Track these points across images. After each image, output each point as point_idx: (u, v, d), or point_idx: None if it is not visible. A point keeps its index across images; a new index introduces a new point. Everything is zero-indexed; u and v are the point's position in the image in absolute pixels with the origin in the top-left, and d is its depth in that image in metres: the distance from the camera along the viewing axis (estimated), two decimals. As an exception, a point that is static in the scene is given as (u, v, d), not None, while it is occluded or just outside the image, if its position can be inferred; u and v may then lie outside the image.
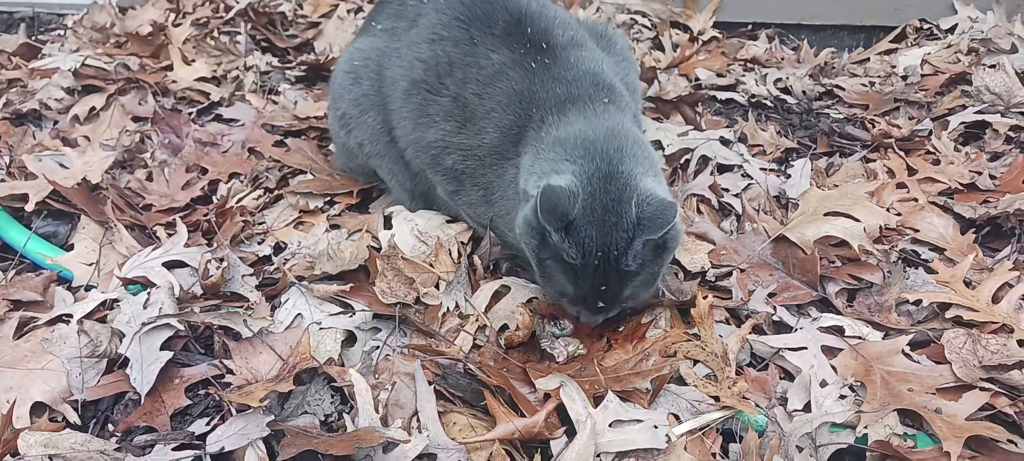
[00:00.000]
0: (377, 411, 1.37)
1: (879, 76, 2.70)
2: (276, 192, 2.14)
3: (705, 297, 1.55)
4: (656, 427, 1.32)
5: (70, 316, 1.57)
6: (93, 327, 1.53)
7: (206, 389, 1.46)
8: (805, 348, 1.50)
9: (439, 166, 1.72)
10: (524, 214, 1.45)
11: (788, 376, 1.50)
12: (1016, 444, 1.30)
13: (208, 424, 1.38)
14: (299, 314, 1.63)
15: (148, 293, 1.63)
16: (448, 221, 1.93)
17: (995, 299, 1.59)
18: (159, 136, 2.39)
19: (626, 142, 1.48)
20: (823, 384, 1.42)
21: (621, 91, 1.67)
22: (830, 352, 1.50)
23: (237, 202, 2.06)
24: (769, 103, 2.59)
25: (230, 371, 1.48)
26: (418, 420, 1.37)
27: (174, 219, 1.95)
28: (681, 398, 1.42)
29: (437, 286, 1.70)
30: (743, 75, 2.76)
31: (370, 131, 1.89)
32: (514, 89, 1.58)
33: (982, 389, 1.38)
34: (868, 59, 2.83)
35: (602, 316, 1.49)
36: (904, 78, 2.66)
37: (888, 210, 1.88)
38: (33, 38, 3.04)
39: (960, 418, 1.33)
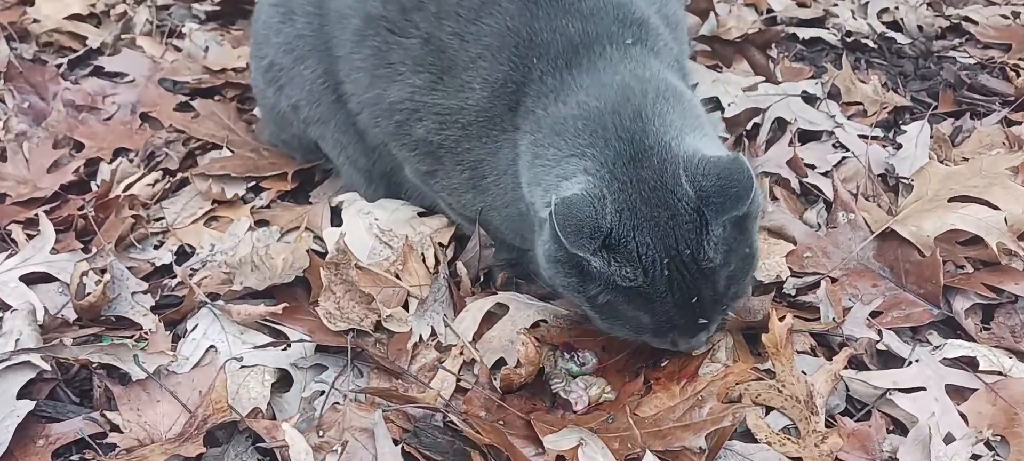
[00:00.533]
0: (322, 482, 1.36)
1: (1026, 4, 2.70)
2: (180, 175, 2.14)
3: (782, 318, 1.54)
4: (714, 502, 1.32)
5: None
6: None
7: (81, 453, 1.45)
8: (923, 388, 1.49)
9: (406, 137, 1.72)
10: (545, 247, 1.46)
11: (899, 428, 1.48)
12: None
13: (84, 503, 1.38)
14: (212, 347, 1.62)
15: None
16: (421, 214, 1.93)
17: None
18: (15, 98, 2.38)
19: (645, 97, 1.48)
20: (949, 439, 1.41)
21: (656, 27, 1.67)
22: (958, 394, 1.49)
23: (125, 190, 2.06)
24: (871, 44, 2.58)
25: (115, 428, 1.47)
26: (379, 495, 1.36)
27: (36, 214, 1.95)
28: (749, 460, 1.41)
29: (406, 306, 1.69)
30: (835, 3, 2.74)
31: (308, 88, 1.89)
32: (508, 28, 1.58)
33: None
34: (1011, -20, 2.83)
35: (706, 333, 1.49)
36: (1061, 7, 2.66)
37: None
38: None
39: None
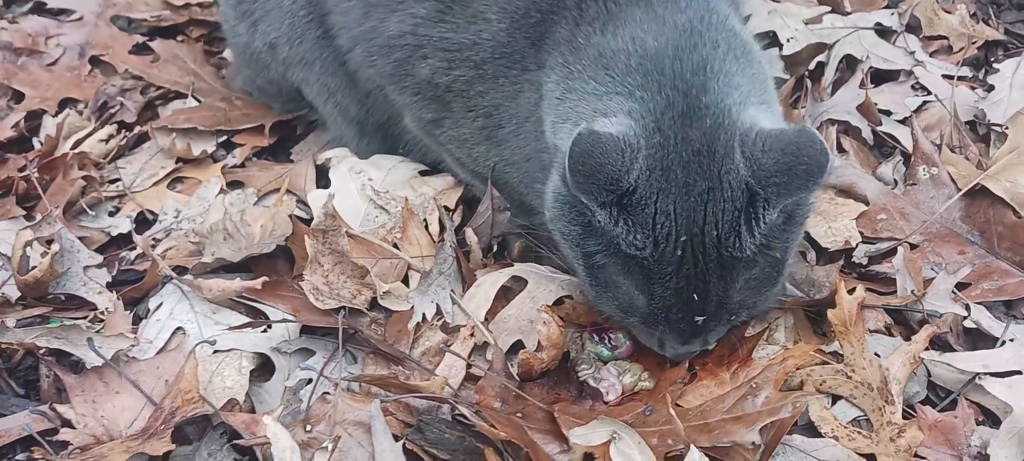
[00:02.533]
0: (310, 485, 1.37)
1: None
2: (138, 129, 2.15)
3: (851, 291, 1.54)
4: (771, 506, 1.33)
5: None
6: None
7: (28, 452, 1.46)
8: (1019, 372, 1.49)
9: (408, 78, 1.72)
10: (553, 183, 1.46)
11: (990, 419, 1.48)
12: None
13: (32, 511, 1.39)
14: (179, 328, 1.62)
15: (-69, 298, 1.63)
16: (422, 172, 1.93)
17: None
18: (-58, 41, 2.39)
19: (715, 49, 1.47)
20: (1049, 432, 1.42)
21: None
22: (1061, 379, 1.49)
23: (73, 147, 2.06)
24: (958, -34, 2.56)
25: (67, 423, 1.48)
26: (377, 499, 1.37)
27: (-30, 177, 1.96)
28: (812, 457, 1.41)
29: (406, 280, 1.70)
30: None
31: (288, 22, 1.89)
32: None
33: None
34: None
35: (698, 345, 1.48)
36: None
37: None
38: None
39: None
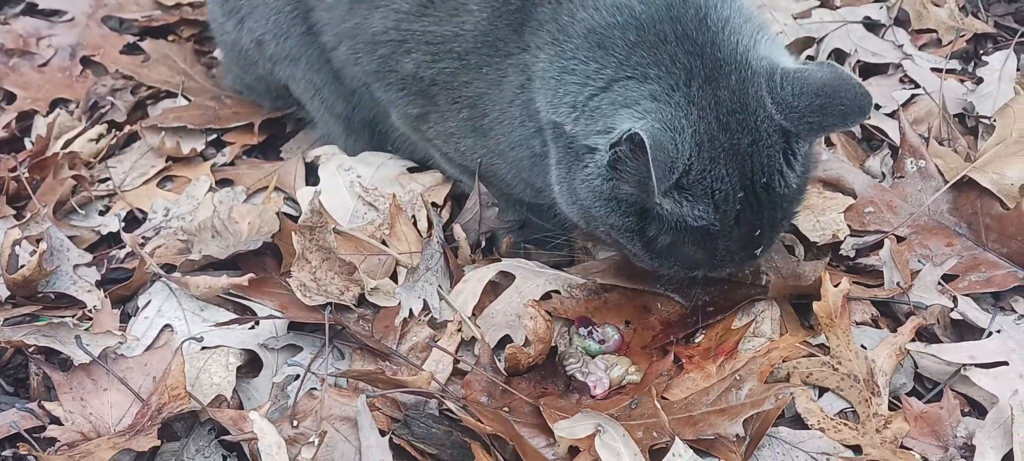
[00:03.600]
0: (297, 481, 1.37)
1: None
2: (128, 129, 2.15)
3: (837, 283, 1.54)
4: (756, 498, 1.33)
5: None
6: None
7: (14, 448, 1.47)
8: (1005, 363, 1.49)
9: (392, 74, 1.72)
10: (594, 184, 1.46)
11: (976, 410, 1.48)
12: None
13: (20, 508, 1.40)
14: (167, 326, 1.63)
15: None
16: (411, 169, 1.93)
17: None
18: (-67, 41, 2.39)
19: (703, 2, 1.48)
20: (1035, 422, 1.41)
21: None
22: (1047, 369, 1.49)
23: (64, 147, 2.06)
24: (948, -41, 2.55)
25: (55, 420, 1.48)
26: (364, 494, 1.37)
27: (-40, 176, 1.96)
28: (798, 450, 1.41)
29: (394, 277, 1.70)
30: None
31: (274, 18, 1.89)
32: None
33: None
34: None
35: (758, 260, 1.56)
36: None
37: None
38: None
39: None
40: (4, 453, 1.47)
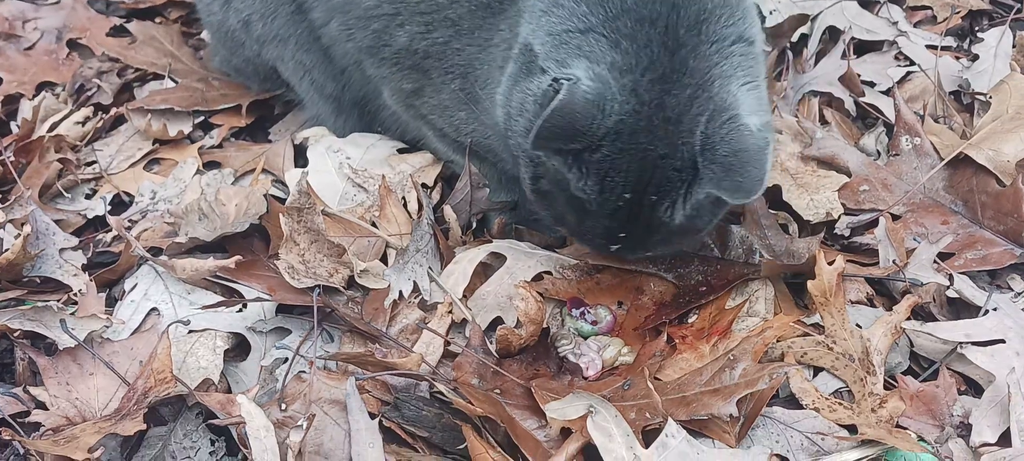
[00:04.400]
0: (285, 465, 1.36)
1: None
2: (114, 111, 2.14)
3: (831, 261, 1.54)
4: (750, 478, 1.32)
5: None
6: None
7: (-1, 434, 1.47)
8: (1002, 341, 1.49)
9: (385, 48, 1.72)
10: (526, 95, 1.44)
11: (973, 388, 1.49)
12: None
13: (5, 495, 1.39)
14: (154, 309, 1.62)
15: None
16: (401, 150, 1.92)
17: None
18: (-83, 24, 2.38)
19: (713, 13, 1.45)
20: (1032, 400, 1.42)
21: None
22: (1044, 347, 1.49)
23: (50, 130, 2.06)
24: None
25: (40, 405, 1.48)
26: (354, 478, 1.36)
27: (-56, 160, 1.95)
28: (793, 429, 1.42)
29: (384, 259, 1.69)
30: None
31: (262, -1, 1.89)
32: None
33: None
34: None
35: (623, 253, 1.55)
36: None
37: None
38: None
39: None
40: (-12, 438, 1.46)
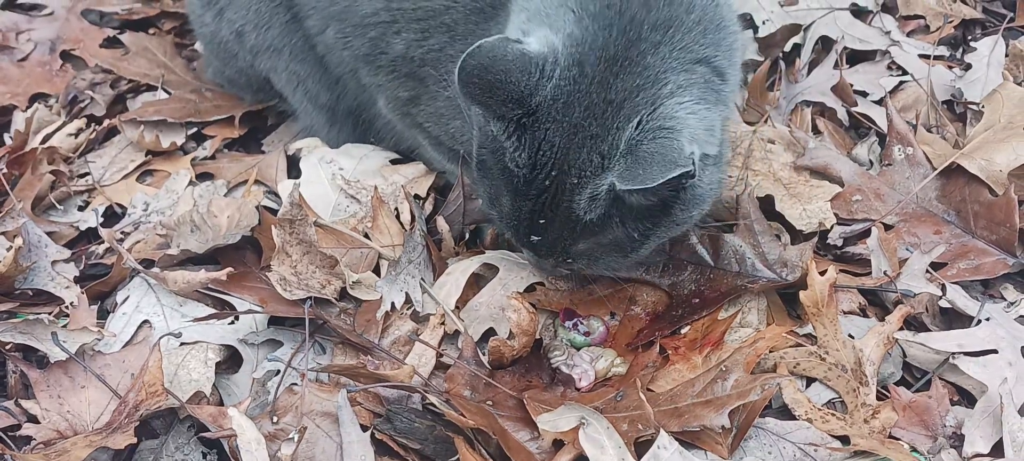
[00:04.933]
0: (277, 477, 1.36)
1: None
2: (107, 123, 2.13)
3: (823, 272, 1.54)
4: (743, 490, 1.32)
5: None
6: None
7: (-10, 448, 1.46)
8: (995, 351, 1.49)
9: (382, 57, 1.72)
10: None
11: (965, 398, 1.49)
12: None
13: (-4, 509, 1.39)
14: (145, 322, 1.62)
15: None
16: (393, 162, 1.92)
17: None
18: (-91, 36, 2.38)
19: (688, 13, 1.46)
20: (1025, 411, 1.42)
21: None
22: (1036, 357, 1.49)
23: (43, 141, 2.05)
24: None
25: (32, 418, 1.47)
26: (345, 490, 1.36)
27: (-63, 172, 1.94)
28: (785, 440, 1.41)
29: (376, 270, 1.69)
30: None
31: (255, 8, 1.89)
32: None
33: None
34: None
35: (549, 266, 1.53)
36: None
37: None
38: None
39: None
40: (-22, 451, 1.46)
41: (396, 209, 1.78)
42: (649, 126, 1.37)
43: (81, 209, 1.96)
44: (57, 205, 1.95)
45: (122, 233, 1.85)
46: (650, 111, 1.38)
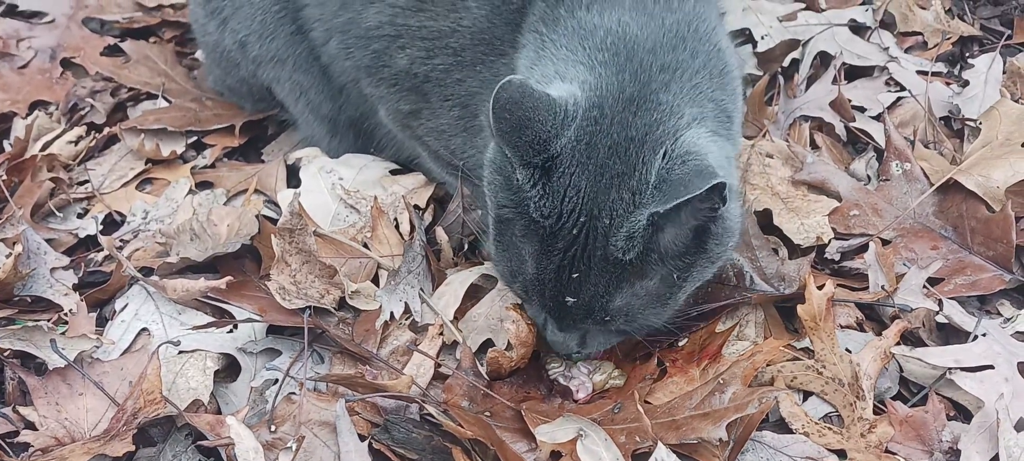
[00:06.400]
0: (274, 486, 1.36)
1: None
2: (107, 131, 2.14)
3: (821, 286, 1.54)
4: (739, 503, 1.32)
5: None
6: None
7: (-11, 455, 1.46)
8: (991, 367, 1.49)
9: (385, 69, 1.72)
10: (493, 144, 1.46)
11: (962, 414, 1.49)
12: None
13: (-6, 515, 1.39)
14: (144, 329, 1.62)
15: None
16: (393, 172, 1.92)
17: None
18: (-90, 42, 2.38)
19: (693, 58, 1.48)
20: (1021, 426, 1.41)
21: None
22: (1033, 373, 1.49)
23: (43, 149, 2.06)
24: (934, -37, 2.56)
25: (30, 425, 1.47)
26: (343, 500, 1.37)
27: (-64, 178, 1.95)
28: (782, 454, 1.41)
29: (375, 280, 1.69)
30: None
31: (259, 19, 1.89)
32: None
33: None
34: None
35: (575, 340, 1.48)
36: None
37: None
38: None
39: None
40: (-25, 458, 1.46)
41: (396, 219, 1.79)
42: (675, 154, 1.37)
43: (80, 216, 1.96)
44: (56, 212, 1.95)
45: (121, 241, 1.85)
46: (673, 142, 1.38)
